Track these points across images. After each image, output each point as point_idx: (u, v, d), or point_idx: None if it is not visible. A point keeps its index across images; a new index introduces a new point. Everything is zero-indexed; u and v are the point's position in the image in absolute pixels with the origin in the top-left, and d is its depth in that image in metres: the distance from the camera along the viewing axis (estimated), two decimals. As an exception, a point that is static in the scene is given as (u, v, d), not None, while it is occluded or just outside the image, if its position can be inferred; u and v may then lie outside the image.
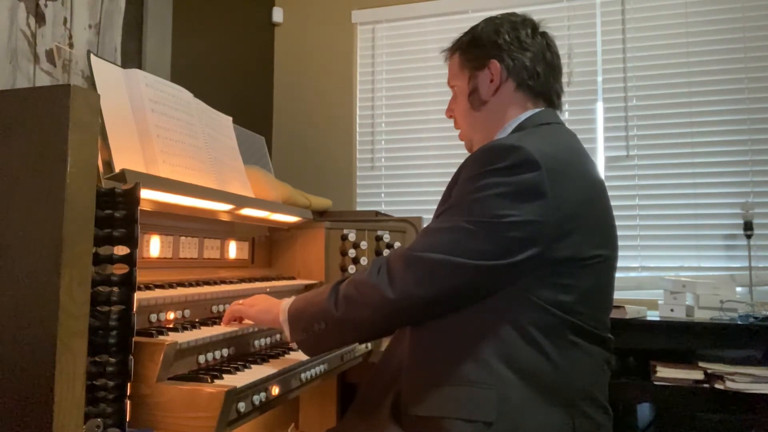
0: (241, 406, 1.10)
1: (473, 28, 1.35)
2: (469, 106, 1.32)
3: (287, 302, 1.27)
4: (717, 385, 2.04)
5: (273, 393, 1.23)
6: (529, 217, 1.05)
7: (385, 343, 1.39)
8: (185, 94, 1.65)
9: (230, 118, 1.90)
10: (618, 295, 2.65)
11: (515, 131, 1.24)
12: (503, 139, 1.15)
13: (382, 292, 1.09)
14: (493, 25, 1.31)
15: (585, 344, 1.12)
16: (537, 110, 1.27)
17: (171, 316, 1.33)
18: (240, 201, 1.63)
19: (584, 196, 1.13)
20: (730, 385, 2.00)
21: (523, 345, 1.07)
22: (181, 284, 1.41)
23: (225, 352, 1.33)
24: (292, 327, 1.24)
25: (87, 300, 0.90)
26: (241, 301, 1.40)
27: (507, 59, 1.27)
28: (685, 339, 2.17)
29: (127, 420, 0.97)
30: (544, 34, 1.31)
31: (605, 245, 1.16)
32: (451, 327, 1.12)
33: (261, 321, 1.35)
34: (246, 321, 1.39)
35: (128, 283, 0.98)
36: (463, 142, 1.40)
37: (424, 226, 1.20)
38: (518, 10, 1.35)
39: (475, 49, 1.31)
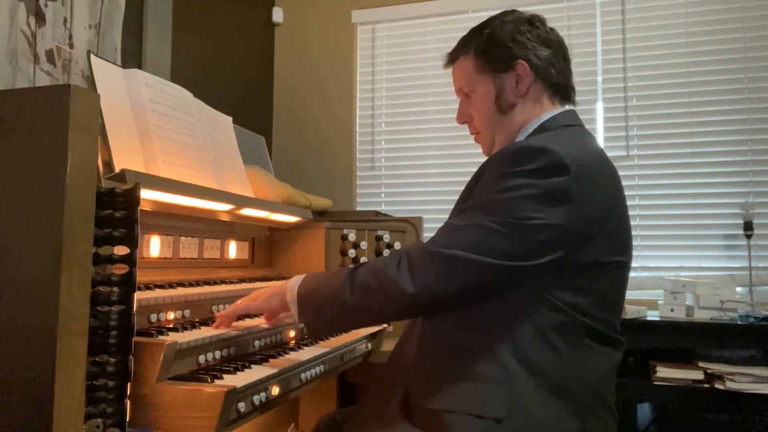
0: (241, 406, 1.10)
1: (485, 29, 1.29)
2: (495, 110, 1.27)
3: (295, 281, 1.24)
4: (717, 385, 2.04)
5: (273, 393, 1.23)
6: (555, 221, 1.05)
7: (386, 342, 1.39)
8: (185, 94, 1.65)
9: (230, 118, 1.90)
10: (618, 294, 2.62)
11: (537, 131, 1.23)
12: (532, 141, 1.14)
13: (401, 286, 1.08)
14: (508, 24, 1.26)
15: (597, 346, 1.13)
16: (559, 110, 1.26)
17: (171, 316, 1.32)
18: (240, 201, 1.62)
19: (608, 201, 1.14)
20: (730, 385, 2.00)
21: (537, 344, 1.08)
22: (181, 284, 1.41)
23: (225, 352, 1.32)
24: (301, 308, 1.21)
25: (87, 300, 0.90)
26: (240, 301, 1.37)
27: (534, 59, 1.23)
28: (685, 339, 2.17)
29: (127, 420, 0.97)
30: (554, 29, 1.29)
31: (624, 252, 1.18)
32: (465, 322, 1.12)
33: (270, 307, 1.30)
34: (241, 323, 1.39)
35: (128, 283, 0.97)
36: (463, 143, 1.40)
37: (425, 226, 1.20)
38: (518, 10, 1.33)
39: (496, 50, 1.26)
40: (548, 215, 1.04)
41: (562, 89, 1.27)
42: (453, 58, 1.35)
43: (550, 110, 1.26)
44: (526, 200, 1.05)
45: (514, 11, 1.30)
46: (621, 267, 1.17)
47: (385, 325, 1.83)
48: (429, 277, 1.07)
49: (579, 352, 1.10)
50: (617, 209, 1.17)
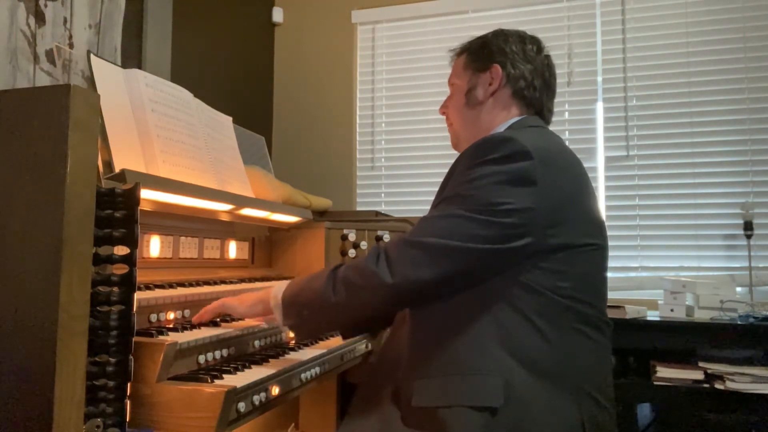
0: (241, 406, 1.10)
1: (483, 36, 1.42)
2: (464, 103, 1.39)
3: (279, 288, 1.28)
4: (717, 385, 2.04)
5: (273, 393, 1.23)
6: (524, 204, 1.09)
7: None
8: (185, 94, 1.65)
9: (230, 118, 1.90)
10: (618, 295, 2.65)
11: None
12: (495, 133, 1.21)
13: (380, 276, 1.12)
14: (502, 35, 1.38)
15: (587, 330, 1.15)
16: (525, 116, 1.33)
17: (171, 316, 1.32)
18: (240, 201, 1.63)
19: (573, 188, 1.18)
20: (730, 385, 2.00)
21: (525, 331, 1.10)
22: (181, 284, 1.41)
23: (225, 352, 1.32)
24: (285, 311, 1.24)
25: (87, 300, 0.90)
26: (226, 299, 1.37)
27: (509, 66, 1.34)
28: (685, 339, 2.17)
29: (127, 420, 0.97)
30: (548, 56, 1.38)
31: (597, 235, 1.21)
32: (450, 316, 1.14)
33: (253, 314, 1.34)
34: (241, 323, 1.39)
35: (128, 283, 0.98)
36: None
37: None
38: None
39: (482, 52, 1.38)
40: (516, 199, 1.09)
41: (535, 105, 1.35)
42: (453, 55, 1.48)
43: (519, 116, 1.34)
44: (495, 186, 1.11)
45: (516, 30, 1.42)
46: (597, 249, 1.19)
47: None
48: (407, 265, 1.11)
49: (568, 337, 1.12)
50: (584, 196, 1.21)
